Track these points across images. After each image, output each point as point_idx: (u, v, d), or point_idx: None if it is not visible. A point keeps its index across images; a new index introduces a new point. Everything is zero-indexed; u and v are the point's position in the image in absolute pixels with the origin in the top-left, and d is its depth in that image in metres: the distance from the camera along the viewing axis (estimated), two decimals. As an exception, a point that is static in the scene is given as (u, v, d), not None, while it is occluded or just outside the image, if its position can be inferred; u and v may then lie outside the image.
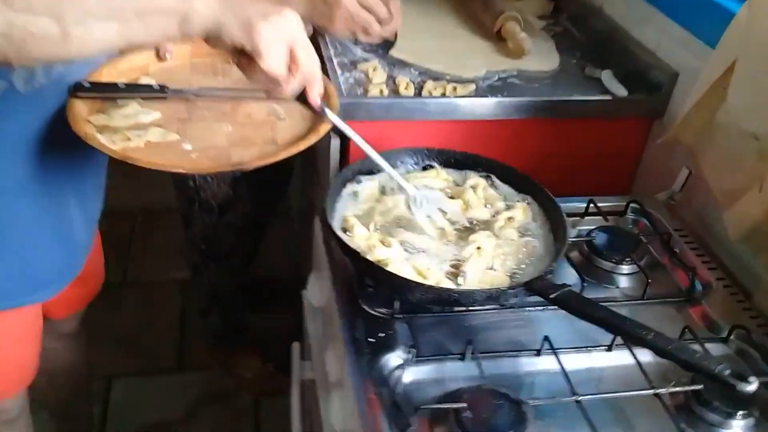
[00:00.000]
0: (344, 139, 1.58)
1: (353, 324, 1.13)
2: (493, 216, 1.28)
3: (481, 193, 1.30)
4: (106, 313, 2.61)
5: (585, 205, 1.45)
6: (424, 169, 1.37)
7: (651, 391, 1.04)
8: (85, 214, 1.41)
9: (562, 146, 1.65)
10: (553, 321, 1.18)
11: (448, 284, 1.11)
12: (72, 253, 1.42)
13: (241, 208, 2.06)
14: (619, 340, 1.12)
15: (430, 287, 1.05)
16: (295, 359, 1.33)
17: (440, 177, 1.35)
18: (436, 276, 1.11)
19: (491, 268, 1.17)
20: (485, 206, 1.30)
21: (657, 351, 0.94)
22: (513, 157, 1.57)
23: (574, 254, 1.36)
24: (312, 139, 1.18)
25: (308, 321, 1.41)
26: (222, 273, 2.24)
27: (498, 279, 1.13)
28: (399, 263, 1.13)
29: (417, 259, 1.15)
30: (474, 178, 1.34)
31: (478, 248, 1.18)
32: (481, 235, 1.21)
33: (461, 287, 1.11)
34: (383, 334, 1.11)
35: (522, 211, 1.28)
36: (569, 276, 1.25)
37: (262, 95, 1.22)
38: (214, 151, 1.18)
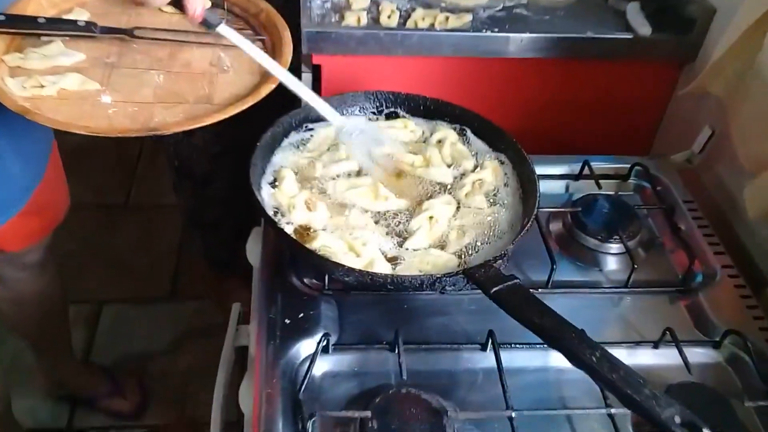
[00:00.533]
0: (317, 75, 1.39)
1: (272, 299, 0.98)
2: (459, 178, 1.08)
3: (448, 150, 1.11)
4: (103, 235, 2.55)
5: (579, 165, 1.23)
6: (389, 117, 1.17)
7: (605, 411, 0.86)
8: (16, 147, 1.28)
9: (569, 94, 1.43)
10: None
11: (381, 264, 0.93)
12: (5, 188, 1.30)
13: (226, 181, 1.90)
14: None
15: (350, 269, 0.88)
16: (231, 322, 1.20)
17: (407, 128, 1.15)
18: (370, 252, 0.94)
19: (442, 244, 0.99)
20: (450, 167, 1.10)
21: (598, 380, 0.75)
22: (508, 107, 1.36)
23: (556, 226, 1.16)
24: (248, 101, 1.00)
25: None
26: (212, 241, 2.15)
27: (441, 260, 0.95)
28: (328, 235, 0.96)
29: (354, 230, 0.98)
30: (443, 131, 1.14)
31: (431, 218, 1.00)
32: (438, 201, 1.02)
33: (389, 271, 0.93)
34: (302, 315, 0.95)
35: (492, 171, 1.08)
36: (543, 253, 1.06)
37: (209, 40, 1.06)
38: (135, 108, 1.01)
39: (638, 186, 1.25)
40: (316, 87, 1.38)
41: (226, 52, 1.12)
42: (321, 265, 0.91)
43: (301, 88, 1.06)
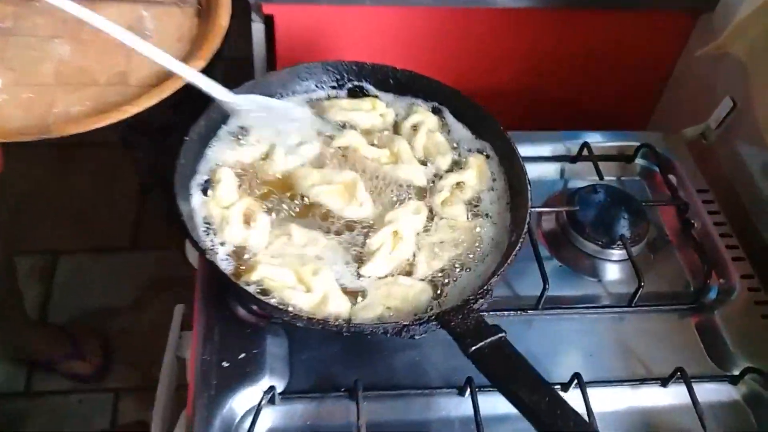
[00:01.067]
0: (269, 28, 1.17)
1: (208, 333, 0.81)
2: (436, 179, 0.90)
3: (422, 140, 0.92)
4: (55, 180, 2.34)
5: (578, 146, 1.05)
6: (353, 94, 0.97)
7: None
8: None
9: (565, 50, 1.23)
10: (523, 330, 0.88)
11: (337, 300, 0.77)
12: None
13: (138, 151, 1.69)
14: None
15: (296, 316, 0.71)
16: (173, 328, 1.04)
17: (377, 110, 0.95)
18: (323, 285, 0.77)
19: (408, 269, 0.81)
20: (424, 162, 0.91)
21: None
22: (495, 68, 1.16)
23: (548, 224, 0.99)
24: (169, 86, 0.80)
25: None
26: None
27: (413, 293, 0.78)
28: (270, 261, 0.78)
29: (303, 250, 0.80)
30: (420, 114, 0.95)
31: (395, 233, 0.82)
32: (404, 210, 0.84)
33: (346, 310, 0.76)
34: (243, 355, 0.79)
35: (476, 170, 0.90)
36: (532, 267, 0.89)
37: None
38: (31, 95, 0.82)
39: (645, 170, 1.08)
40: (270, 44, 1.16)
41: (150, 10, 0.91)
42: (260, 308, 0.74)
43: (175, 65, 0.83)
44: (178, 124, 1.69)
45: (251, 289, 0.75)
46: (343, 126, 0.94)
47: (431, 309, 0.77)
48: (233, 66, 1.63)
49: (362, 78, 0.97)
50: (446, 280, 0.80)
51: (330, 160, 0.90)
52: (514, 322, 0.88)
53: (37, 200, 2.23)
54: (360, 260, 0.81)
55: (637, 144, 1.06)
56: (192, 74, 0.83)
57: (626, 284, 0.93)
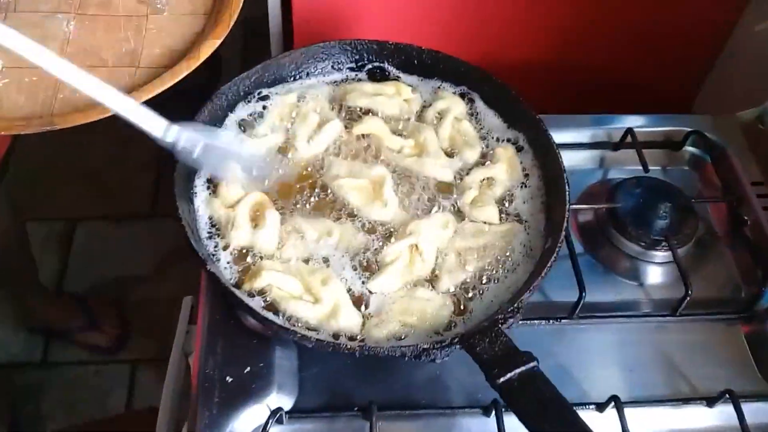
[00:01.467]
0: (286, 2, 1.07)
1: (211, 346, 0.74)
2: (461, 174, 0.81)
3: (448, 130, 0.83)
4: (74, 145, 2.28)
5: (618, 132, 0.95)
6: (374, 77, 0.88)
7: None
8: None
9: (604, 21, 1.11)
10: (555, 341, 0.79)
11: (348, 313, 0.69)
12: None
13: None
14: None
15: (303, 337, 0.64)
16: (181, 322, 0.98)
17: (402, 95, 0.86)
18: (333, 295, 0.70)
19: (431, 278, 0.74)
20: (451, 153, 0.83)
21: None
22: (524, 42, 1.06)
23: (584, 216, 0.91)
24: (182, 70, 0.73)
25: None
26: None
27: (432, 308, 0.70)
28: (277, 267, 0.71)
29: (316, 248, 0.73)
30: (447, 100, 0.85)
31: (415, 247, 0.74)
32: (431, 222, 0.75)
33: (358, 323, 0.69)
34: (249, 369, 0.73)
35: (506, 164, 0.81)
36: (565, 266, 0.81)
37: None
38: (34, 77, 0.76)
39: (695, 158, 0.98)
40: (286, 14, 1.07)
41: None
42: (265, 327, 0.67)
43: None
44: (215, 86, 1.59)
45: (256, 301, 0.69)
46: (367, 112, 0.85)
47: (453, 326, 0.69)
48: (249, 44, 1.54)
49: (383, 58, 0.88)
50: (470, 293, 0.72)
51: (348, 146, 0.81)
52: (545, 332, 0.80)
53: (54, 166, 2.18)
54: (369, 268, 0.73)
55: (687, 129, 0.97)
56: (125, 106, 0.70)
57: (670, 289, 0.85)
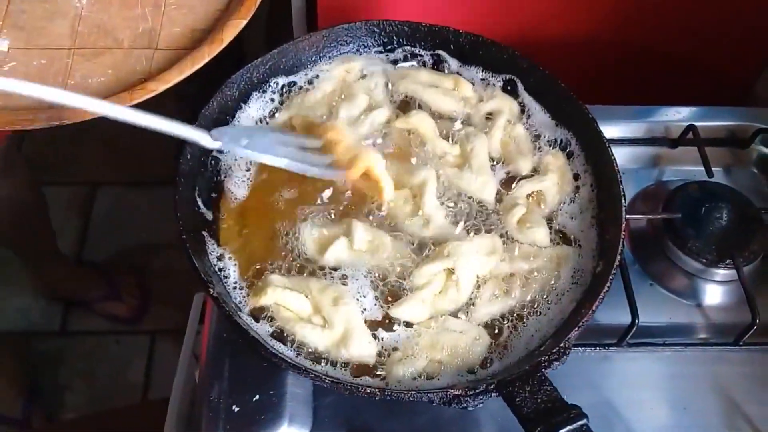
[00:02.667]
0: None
1: (217, 368, 0.67)
2: (506, 187, 0.72)
3: (498, 135, 0.73)
4: (93, 108, 2.22)
5: (676, 127, 0.85)
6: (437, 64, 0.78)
7: None
8: None
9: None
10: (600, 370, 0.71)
11: (361, 341, 0.61)
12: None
13: None
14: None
15: (317, 376, 0.57)
16: (191, 322, 0.91)
17: (459, 90, 0.76)
18: (345, 318, 0.62)
19: (468, 306, 0.65)
20: (492, 164, 0.73)
21: None
22: (568, 21, 0.96)
23: (638, 226, 0.81)
24: (203, 55, 0.65)
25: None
26: None
27: (464, 342, 0.62)
28: (283, 283, 0.63)
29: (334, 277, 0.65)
30: (498, 99, 0.75)
31: (450, 272, 0.65)
32: (472, 246, 0.66)
33: (373, 353, 0.62)
34: (258, 397, 0.65)
35: (557, 174, 0.71)
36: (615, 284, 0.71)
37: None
38: (43, 60, 0.70)
39: (763, 158, 0.87)
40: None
41: None
42: (274, 361, 0.59)
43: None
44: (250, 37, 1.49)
45: (262, 328, 0.61)
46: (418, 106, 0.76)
47: (489, 364, 0.61)
48: (271, 23, 1.43)
49: (415, 42, 0.78)
50: (507, 323, 0.63)
51: (390, 137, 0.72)
52: (589, 359, 0.72)
53: (75, 129, 2.12)
54: (393, 294, 0.65)
55: (756, 126, 0.86)
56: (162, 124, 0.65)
57: (732, 312, 0.76)
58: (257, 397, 0.66)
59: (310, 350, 0.63)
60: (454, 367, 0.61)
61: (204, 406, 0.65)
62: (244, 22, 0.72)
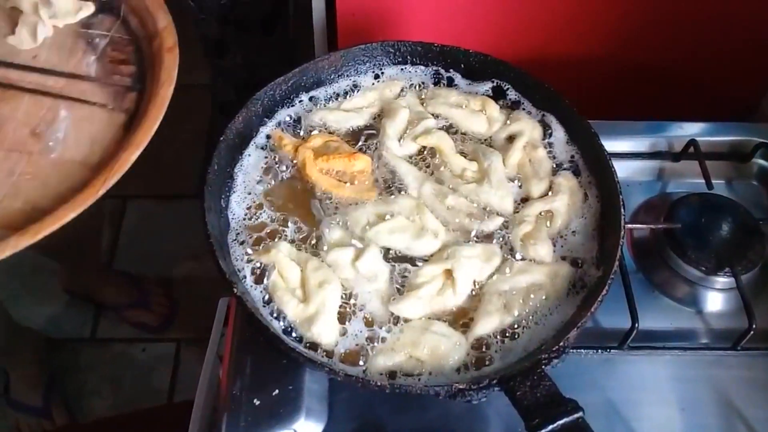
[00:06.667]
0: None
1: (240, 363, 0.72)
2: (520, 205, 0.75)
3: (517, 156, 0.77)
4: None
5: (678, 141, 0.89)
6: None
7: None
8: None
9: (665, 15, 1.03)
10: (601, 372, 0.74)
11: (327, 323, 0.66)
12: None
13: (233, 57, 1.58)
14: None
15: (331, 370, 0.61)
16: (216, 324, 0.96)
17: (487, 113, 0.80)
18: (323, 299, 0.67)
19: (463, 320, 0.69)
20: (512, 182, 0.77)
21: None
22: (575, 38, 1.00)
23: (641, 236, 0.84)
24: (35, 232, 0.70)
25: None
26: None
27: (444, 347, 0.65)
28: (288, 250, 0.70)
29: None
30: (521, 122, 0.79)
31: (449, 273, 0.69)
32: (471, 251, 0.70)
33: (335, 336, 0.66)
34: (277, 391, 0.70)
35: (568, 195, 0.74)
36: (615, 287, 0.75)
37: (55, 85, 0.78)
38: None
39: (763, 172, 0.90)
40: (330, 7, 1.02)
41: (70, 110, 0.81)
42: (288, 354, 0.63)
43: None
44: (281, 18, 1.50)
45: (280, 325, 0.66)
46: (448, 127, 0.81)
47: (464, 369, 0.65)
48: (294, 44, 1.49)
49: (428, 61, 0.83)
50: (496, 339, 0.67)
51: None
52: (591, 362, 0.75)
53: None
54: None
55: (756, 140, 0.89)
56: None
57: (731, 319, 0.79)
58: (276, 391, 0.70)
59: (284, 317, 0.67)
60: (430, 367, 0.64)
61: (227, 400, 0.70)
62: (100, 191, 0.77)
